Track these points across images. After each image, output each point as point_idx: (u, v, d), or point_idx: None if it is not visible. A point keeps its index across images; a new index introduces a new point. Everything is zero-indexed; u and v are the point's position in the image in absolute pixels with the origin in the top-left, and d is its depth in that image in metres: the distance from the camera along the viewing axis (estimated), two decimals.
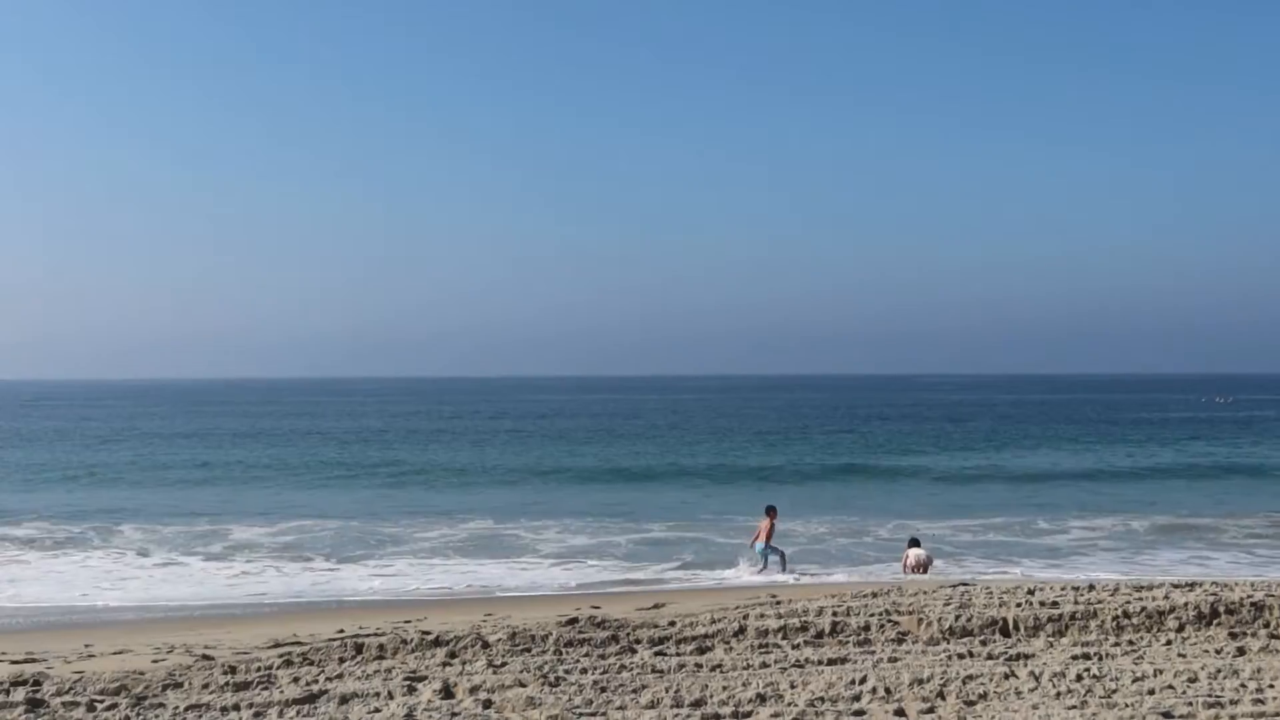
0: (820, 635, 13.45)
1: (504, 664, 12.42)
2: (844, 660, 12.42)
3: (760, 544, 24.90)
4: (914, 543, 25.14)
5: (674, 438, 74.00)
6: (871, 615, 14.11)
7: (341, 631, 15.94)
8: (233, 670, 12.36)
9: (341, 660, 12.92)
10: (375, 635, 14.42)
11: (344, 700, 10.94)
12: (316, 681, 11.66)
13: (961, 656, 12.57)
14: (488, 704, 10.76)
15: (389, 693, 11.21)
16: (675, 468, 52.40)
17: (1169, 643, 13.23)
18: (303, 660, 12.89)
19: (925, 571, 23.97)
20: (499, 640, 13.29)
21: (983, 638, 13.46)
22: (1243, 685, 11.25)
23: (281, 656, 13.08)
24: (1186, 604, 14.26)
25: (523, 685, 11.44)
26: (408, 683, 11.55)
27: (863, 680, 11.31)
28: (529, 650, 13.08)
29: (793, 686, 11.17)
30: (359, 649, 13.31)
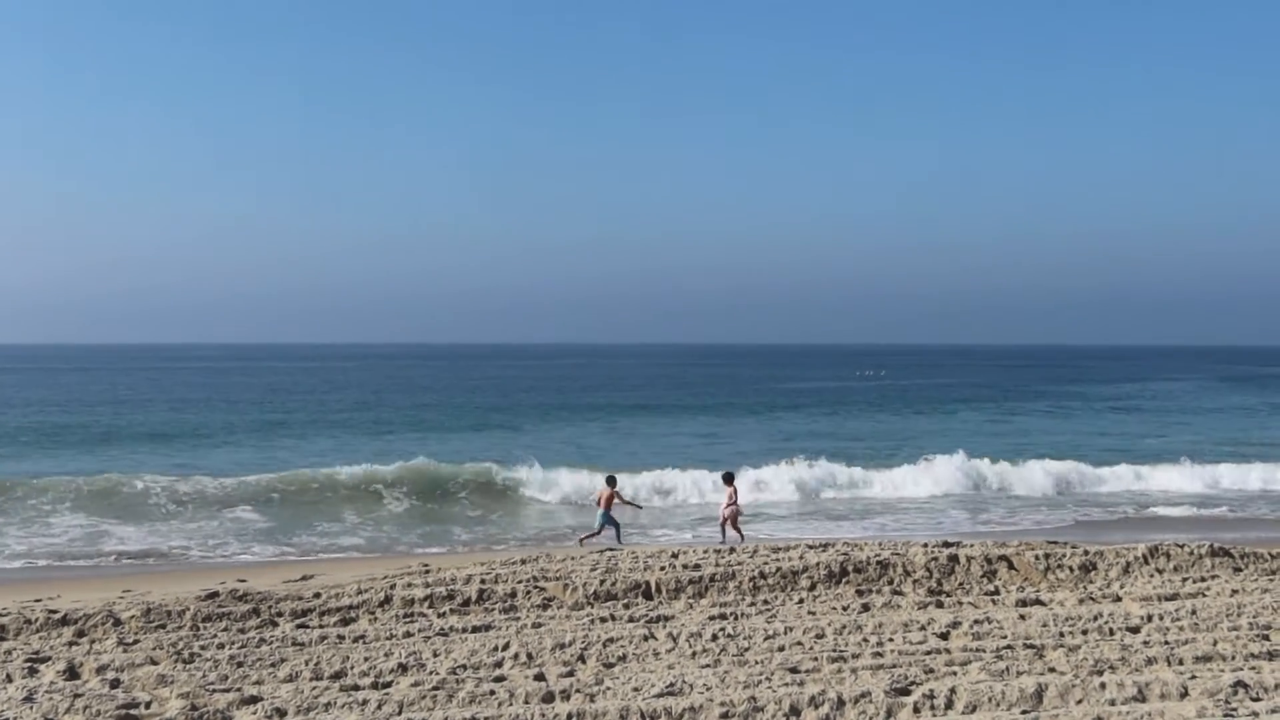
0: (467, 603, 13.49)
1: (136, 641, 11.93)
2: (488, 627, 12.52)
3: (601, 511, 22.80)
4: (729, 478, 22.83)
5: None
6: (519, 582, 14.26)
7: None
8: None
9: None
10: None
11: None
12: None
13: (604, 620, 12.87)
14: (115, 683, 10.33)
15: (7, 675, 10.62)
16: None
17: (801, 601, 13.92)
18: None
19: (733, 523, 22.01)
20: (132, 617, 12.75)
21: (626, 601, 13.80)
22: (865, 640, 11.98)
23: None
24: (819, 564, 15.03)
25: (154, 663, 11.03)
26: (29, 664, 10.97)
27: (505, 646, 11.44)
28: (164, 627, 12.60)
29: (435, 655, 11.19)
30: None
